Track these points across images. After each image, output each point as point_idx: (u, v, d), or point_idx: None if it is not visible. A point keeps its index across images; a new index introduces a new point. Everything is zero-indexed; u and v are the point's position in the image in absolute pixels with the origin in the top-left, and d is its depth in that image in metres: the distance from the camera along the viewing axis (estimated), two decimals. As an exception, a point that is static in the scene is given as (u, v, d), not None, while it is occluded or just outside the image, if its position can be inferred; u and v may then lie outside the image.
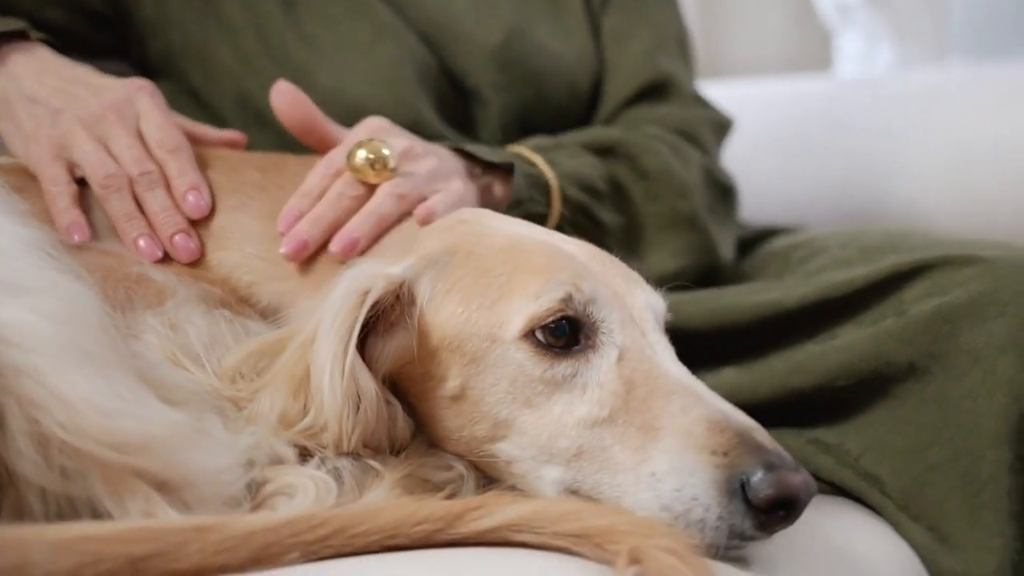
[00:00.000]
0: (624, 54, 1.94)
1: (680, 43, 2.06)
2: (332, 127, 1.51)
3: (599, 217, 1.66)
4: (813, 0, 3.70)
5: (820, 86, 3.01)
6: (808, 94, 2.86)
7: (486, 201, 1.54)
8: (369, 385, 1.15)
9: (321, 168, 1.42)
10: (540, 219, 1.56)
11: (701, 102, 2.01)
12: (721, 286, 1.72)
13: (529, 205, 1.56)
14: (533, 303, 1.15)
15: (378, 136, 1.43)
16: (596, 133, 1.80)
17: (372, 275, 1.19)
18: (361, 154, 1.37)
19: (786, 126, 2.69)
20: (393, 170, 1.38)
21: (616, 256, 1.28)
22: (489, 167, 1.57)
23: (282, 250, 1.34)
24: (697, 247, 1.77)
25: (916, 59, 3.54)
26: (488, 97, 1.84)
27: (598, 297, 1.17)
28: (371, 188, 1.38)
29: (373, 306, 1.17)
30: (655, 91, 1.93)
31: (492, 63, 1.82)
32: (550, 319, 1.14)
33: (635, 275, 1.26)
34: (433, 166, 1.45)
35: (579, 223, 1.61)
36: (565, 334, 1.15)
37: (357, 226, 1.35)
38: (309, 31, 1.77)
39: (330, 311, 1.16)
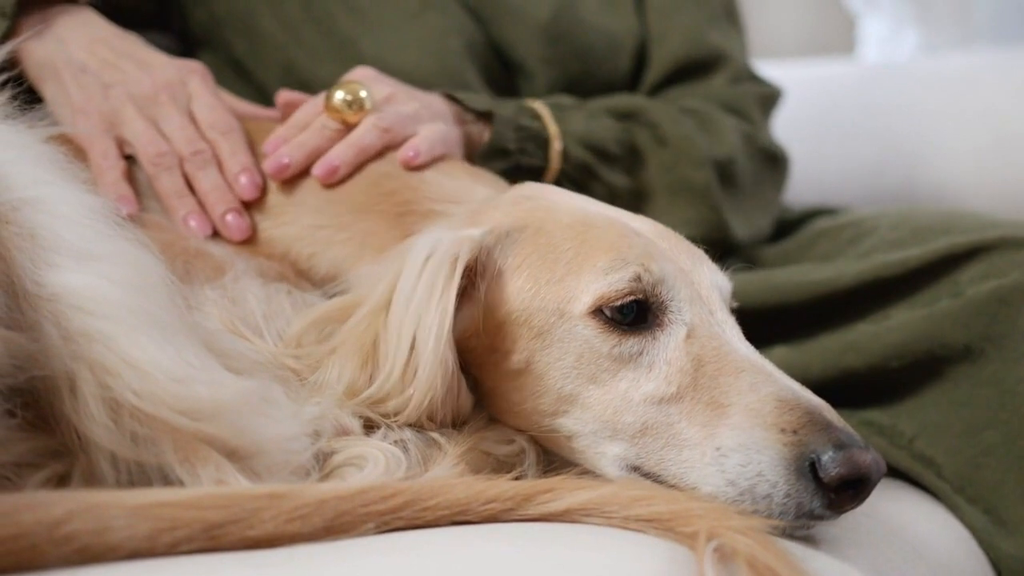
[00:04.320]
0: (671, 25, 1.93)
1: (728, 12, 2.04)
2: None
3: (604, 178, 1.68)
4: (838, -16, 3.69)
5: (850, 69, 3.00)
6: (838, 77, 2.85)
7: (471, 147, 1.57)
8: (449, 355, 1.15)
9: (307, 106, 1.48)
10: (536, 172, 1.61)
11: (751, 76, 1.99)
12: (770, 265, 1.72)
13: (519, 157, 1.58)
14: (602, 280, 1.14)
15: (364, 81, 1.48)
16: (623, 99, 1.81)
17: (456, 239, 1.18)
18: (339, 95, 1.44)
19: (816, 110, 2.68)
20: (370, 111, 1.43)
21: None
22: (480, 116, 1.59)
23: (265, 168, 1.41)
24: (706, 221, 1.74)
25: (940, 44, 3.52)
26: (534, 71, 1.83)
27: (666, 276, 1.16)
28: (349, 127, 1.44)
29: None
30: (702, 67, 1.92)
31: (540, 38, 1.81)
32: (619, 301, 1.14)
33: (700, 253, 1.26)
34: (415, 109, 1.49)
35: (582, 181, 1.64)
36: (633, 312, 1.14)
37: (338, 154, 1.40)
38: (355, 1, 1.76)
39: (417, 278, 1.15)
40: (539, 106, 1.66)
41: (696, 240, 1.68)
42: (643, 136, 1.75)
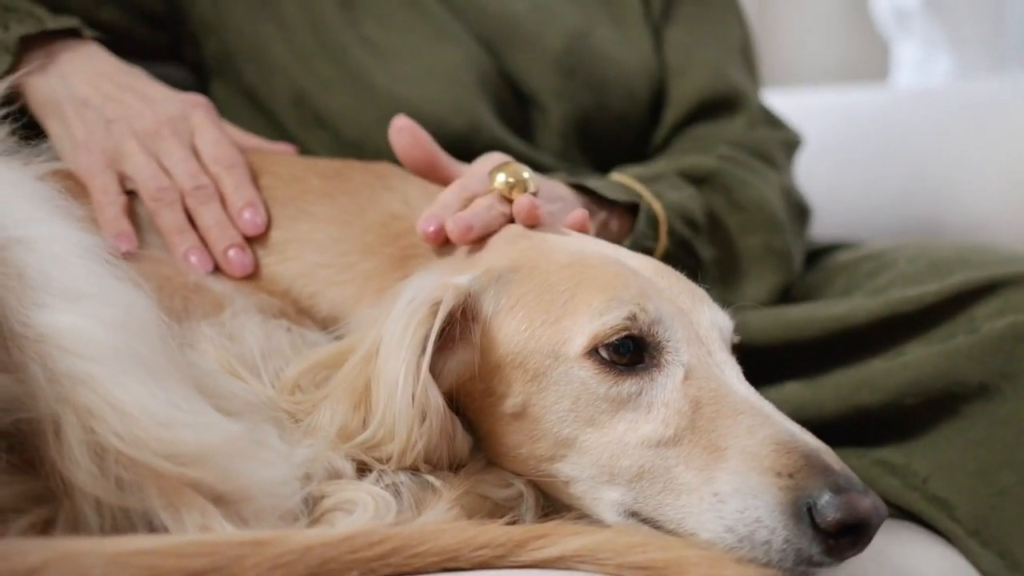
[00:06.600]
0: (692, 60, 1.91)
1: (746, 55, 2.02)
2: (453, 165, 1.46)
3: (698, 252, 1.63)
4: (870, 9, 3.65)
5: (878, 96, 2.96)
6: (866, 105, 2.82)
7: (603, 238, 1.45)
8: (437, 399, 1.13)
9: (455, 190, 1.35)
10: (647, 254, 1.47)
11: (771, 120, 1.97)
12: (788, 300, 1.69)
13: (642, 239, 1.52)
14: (597, 321, 1.13)
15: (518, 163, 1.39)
16: (691, 161, 1.76)
17: (441, 285, 1.17)
18: (501, 177, 1.33)
19: (844, 137, 2.65)
20: (533, 194, 1.33)
21: (710, 289, 1.25)
22: (606, 203, 1.53)
23: (448, 229, 1.27)
24: (786, 280, 1.73)
25: (973, 68, 3.49)
26: (548, 103, 1.81)
27: (663, 316, 1.14)
28: None
29: None
30: (724, 105, 1.90)
31: (553, 69, 1.80)
32: (614, 337, 1.12)
33: (701, 292, 1.24)
34: (558, 210, 1.41)
35: (680, 257, 1.57)
36: (629, 351, 1.13)
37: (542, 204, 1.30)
38: (368, 32, 1.75)
39: (397, 322, 1.14)
40: (631, 182, 1.61)
41: (778, 299, 1.67)
42: (718, 201, 1.73)
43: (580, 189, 1.52)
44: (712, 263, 1.67)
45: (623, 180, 1.61)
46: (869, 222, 2.48)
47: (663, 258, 1.51)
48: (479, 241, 1.29)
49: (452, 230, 1.27)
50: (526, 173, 1.34)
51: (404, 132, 1.43)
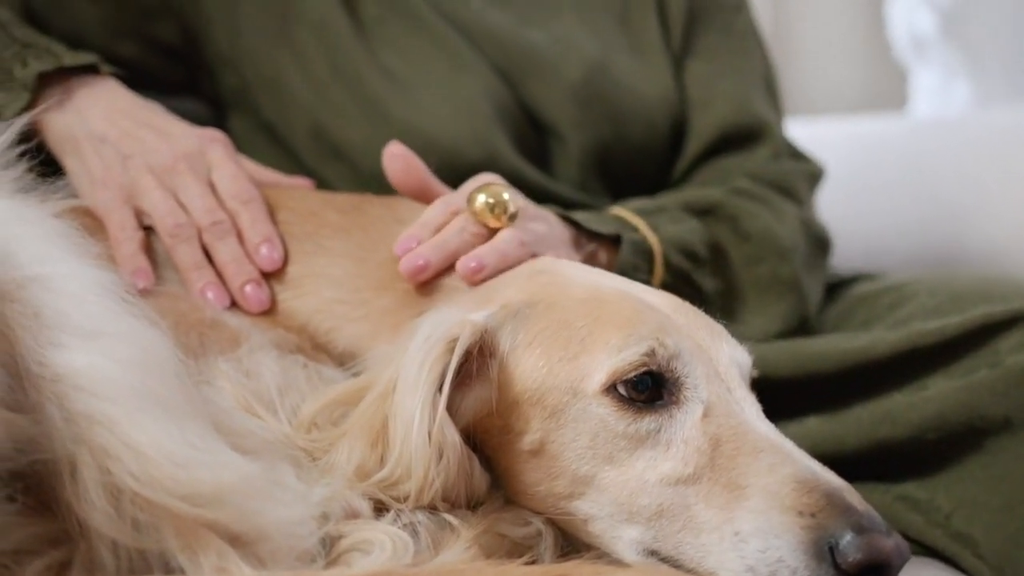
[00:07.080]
0: (715, 92, 1.90)
1: (769, 86, 2.01)
2: (446, 191, 1.48)
3: (699, 284, 1.62)
4: (888, 37, 3.65)
5: (895, 126, 2.95)
6: (884, 134, 2.81)
7: None
8: (453, 436, 1.13)
9: (439, 206, 1.40)
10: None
11: (793, 152, 1.96)
12: (807, 333, 1.68)
13: (632, 273, 1.51)
14: (615, 357, 1.12)
15: (502, 183, 1.43)
16: (697, 194, 1.76)
17: (458, 321, 1.16)
18: (481, 198, 1.36)
19: (862, 166, 2.64)
20: (512, 216, 1.37)
21: (720, 322, 1.25)
22: (595, 234, 1.53)
23: (401, 268, 1.31)
24: (797, 310, 1.72)
25: (992, 96, 3.47)
26: (566, 134, 1.80)
27: (682, 351, 1.13)
28: (490, 231, 1.37)
29: None
30: (747, 137, 1.89)
31: (572, 100, 1.79)
32: (633, 373, 1.11)
33: (719, 328, 1.23)
34: (544, 231, 1.43)
35: (679, 289, 1.52)
36: (648, 388, 1.12)
37: (485, 254, 1.32)
38: (384, 62, 1.75)
39: (414, 359, 1.13)
40: (628, 215, 1.61)
41: (790, 330, 1.66)
42: (723, 232, 1.72)
43: (568, 220, 1.52)
44: (716, 295, 1.66)
45: (620, 213, 1.61)
46: (887, 251, 2.47)
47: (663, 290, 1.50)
48: (435, 277, 1.33)
49: (406, 269, 1.31)
50: (506, 194, 1.37)
51: (397, 159, 1.46)
